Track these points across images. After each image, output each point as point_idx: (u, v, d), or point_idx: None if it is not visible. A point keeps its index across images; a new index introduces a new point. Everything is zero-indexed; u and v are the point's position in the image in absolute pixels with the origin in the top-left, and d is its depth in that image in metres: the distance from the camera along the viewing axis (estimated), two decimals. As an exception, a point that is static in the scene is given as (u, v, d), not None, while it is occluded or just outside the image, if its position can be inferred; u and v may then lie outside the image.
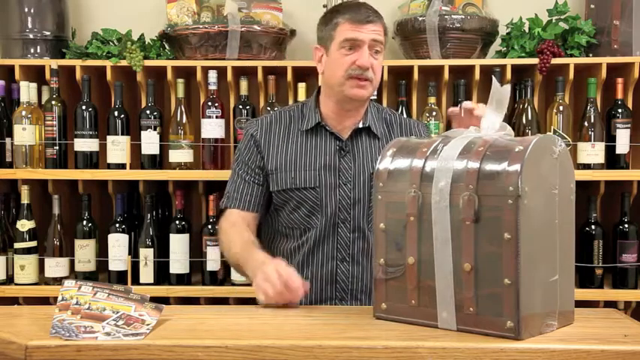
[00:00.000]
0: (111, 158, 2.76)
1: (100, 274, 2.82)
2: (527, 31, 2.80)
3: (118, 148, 2.75)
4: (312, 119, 2.15)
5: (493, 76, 1.81)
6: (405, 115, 2.72)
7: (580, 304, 1.72)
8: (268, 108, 2.74)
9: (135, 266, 2.75)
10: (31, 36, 2.82)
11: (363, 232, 2.11)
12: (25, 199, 2.74)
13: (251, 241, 2.07)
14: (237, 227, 2.12)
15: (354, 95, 2.08)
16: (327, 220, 2.10)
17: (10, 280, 2.79)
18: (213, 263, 2.74)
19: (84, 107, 2.77)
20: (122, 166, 2.75)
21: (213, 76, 2.75)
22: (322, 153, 2.13)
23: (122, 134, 2.76)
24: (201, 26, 2.73)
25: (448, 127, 2.76)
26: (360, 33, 2.04)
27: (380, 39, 2.07)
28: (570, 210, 1.62)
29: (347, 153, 2.13)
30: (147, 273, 2.74)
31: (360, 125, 2.15)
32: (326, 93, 2.16)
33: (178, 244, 2.74)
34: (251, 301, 2.63)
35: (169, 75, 2.79)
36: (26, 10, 2.81)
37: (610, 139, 2.72)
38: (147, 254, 2.74)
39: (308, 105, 2.19)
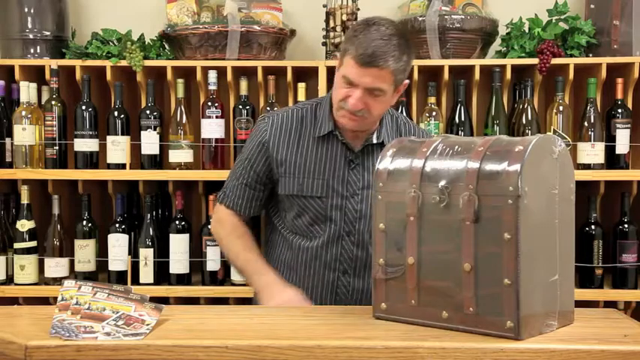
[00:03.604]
0: (111, 158, 2.76)
1: (100, 274, 2.82)
2: (527, 31, 2.80)
3: (117, 148, 2.75)
4: (326, 126, 2.06)
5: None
6: (404, 115, 2.72)
7: (580, 304, 1.72)
8: (268, 108, 2.74)
9: (135, 266, 2.75)
10: (31, 36, 2.82)
11: (367, 247, 2.06)
12: (24, 199, 2.74)
13: (255, 253, 2.13)
14: (236, 231, 2.15)
15: (342, 124, 2.01)
16: (331, 231, 2.06)
17: (10, 280, 2.79)
18: (213, 263, 2.73)
19: (84, 107, 2.77)
20: (122, 166, 2.75)
21: (213, 76, 2.75)
22: (332, 162, 2.07)
23: (122, 134, 2.76)
24: (201, 26, 2.73)
25: (448, 127, 2.77)
26: (358, 77, 1.91)
27: (378, 87, 1.92)
28: (570, 210, 1.62)
29: (357, 165, 2.07)
30: (147, 273, 2.74)
31: (375, 141, 2.07)
32: None
33: (178, 244, 2.74)
34: (251, 301, 2.64)
35: (169, 75, 2.79)
36: (26, 10, 2.81)
37: (610, 139, 2.72)
38: (147, 254, 2.74)
39: (322, 107, 2.10)
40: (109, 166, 2.77)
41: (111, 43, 2.83)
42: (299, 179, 2.07)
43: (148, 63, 2.78)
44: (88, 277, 2.72)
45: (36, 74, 2.84)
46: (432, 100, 2.76)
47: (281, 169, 2.08)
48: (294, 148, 2.08)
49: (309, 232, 2.09)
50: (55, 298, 1.70)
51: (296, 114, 2.12)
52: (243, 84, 2.78)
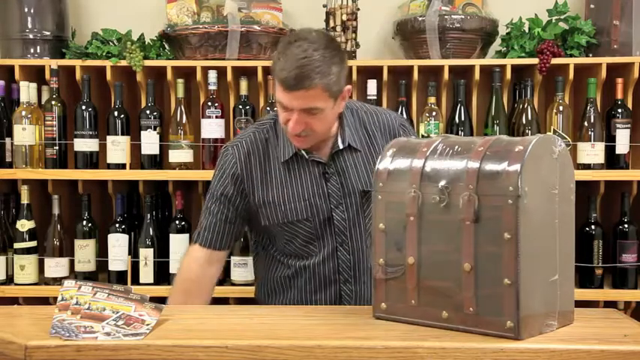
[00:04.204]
0: (111, 158, 2.76)
1: (100, 274, 2.82)
2: (527, 31, 2.80)
3: (117, 148, 2.75)
4: (288, 149, 2.00)
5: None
6: (405, 115, 2.72)
7: (580, 304, 1.72)
8: (268, 108, 2.74)
9: (135, 266, 2.75)
10: (31, 36, 2.82)
11: (364, 251, 2.04)
12: (25, 199, 2.74)
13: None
14: (187, 286, 2.06)
15: (294, 144, 1.97)
16: (325, 247, 2.03)
17: (10, 280, 2.79)
18: (213, 263, 2.73)
19: (84, 107, 2.77)
20: (122, 166, 2.75)
21: (213, 76, 2.75)
22: (308, 181, 2.01)
23: (122, 134, 2.76)
24: (201, 26, 2.74)
25: (448, 127, 2.77)
26: (288, 101, 1.86)
27: (311, 106, 1.86)
28: (570, 210, 1.62)
29: (332, 175, 2.02)
30: (147, 273, 2.74)
31: (341, 146, 2.01)
32: None
33: (178, 244, 2.74)
34: (251, 301, 2.64)
35: (169, 75, 2.79)
36: (26, 10, 2.81)
37: (610, 139, 2.72)
38: (147, 254, 2.74)
39: (280, 124, 2.00)
40: (109, 166, 2.77)
41: (111, 43, 2.83)
42: (281, 207, 2.01)
43: (148, 63, 2.78)
44: (88, 277, 2.72)
45: (36, 74, 2.84)
46: (432, 100, 2.76)
47: (259, 200, 2.03)
48: (266, 177, 2.03)
49: (303, 253, 2.05)
50: (55, 298, 1.70)
51: (259, 138, 2.05)
52: (243, 84, 2.78)
